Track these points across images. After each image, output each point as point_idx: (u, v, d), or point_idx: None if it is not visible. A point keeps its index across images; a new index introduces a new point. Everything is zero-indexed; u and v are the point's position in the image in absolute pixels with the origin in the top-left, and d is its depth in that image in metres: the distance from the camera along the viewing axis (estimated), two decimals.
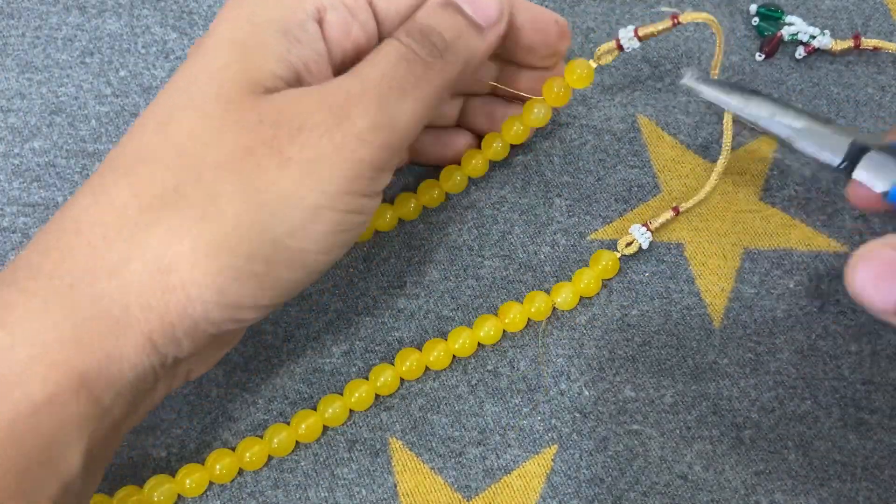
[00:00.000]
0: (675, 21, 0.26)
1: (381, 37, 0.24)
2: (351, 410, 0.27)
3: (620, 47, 0.27)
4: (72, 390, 0.19)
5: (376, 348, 0.28)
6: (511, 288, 0.29)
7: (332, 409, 0.26)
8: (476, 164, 0.29)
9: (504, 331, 0.28)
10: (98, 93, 0.31)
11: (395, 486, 0.26)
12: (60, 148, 0.30)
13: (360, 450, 0.27)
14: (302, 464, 0.26)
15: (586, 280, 0.28)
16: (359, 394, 0.26)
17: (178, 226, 0.19)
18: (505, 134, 0.29)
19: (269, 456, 0.26)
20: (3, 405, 0.18)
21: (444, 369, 0.28)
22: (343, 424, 0.27)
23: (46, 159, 0.30)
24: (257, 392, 0.27)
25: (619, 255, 0.29)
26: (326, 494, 0.26)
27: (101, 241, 0.19)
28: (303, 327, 0.28)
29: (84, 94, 0.31)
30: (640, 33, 0.27)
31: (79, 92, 0.31)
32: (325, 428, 0.27)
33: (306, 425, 0.26)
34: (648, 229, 0.29)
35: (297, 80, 0.22)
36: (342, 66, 0.23)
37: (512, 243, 0.29)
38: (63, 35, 0.32)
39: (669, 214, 0.29)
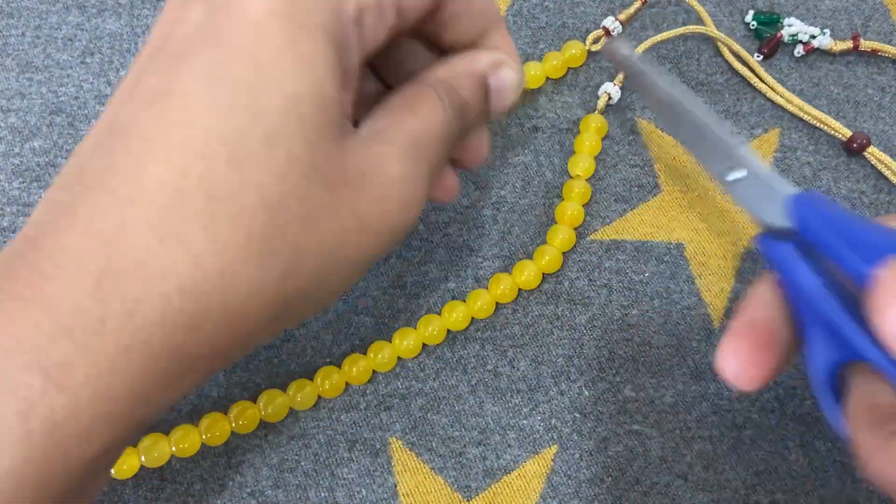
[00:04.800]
0: (644, 0, 0.32)
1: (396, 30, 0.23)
2: (347, 383, 0.27)
3: (608, 32, 0.32)
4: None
5: None
6: None
7: (330, 382, 0.27)
8: None
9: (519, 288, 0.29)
10: (98, 93, 0.31)
11: (395, 486, 0.26)
12: (60, 148, 0.30)
13: (360, 450, 0.27)
14: (302, 464, 0.26)
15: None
16: (357, 368, 0.27)
17: (260, 281, 0.18)
18: None
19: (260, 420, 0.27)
20: None
21: (443, 369, 0.28)
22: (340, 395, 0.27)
23: (46, 159, 0.30)
24: (257, 392, 0.27)
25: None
26: (326, 494, 0.26)
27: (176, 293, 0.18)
28: (303, 327, 0.28)
29: (84, 94, 0.31)
30: (622, 17, 0.32)
31: (79, 92, 0.31)
32: (320, 398, 0.27)
33: (301, 396, 0.27)
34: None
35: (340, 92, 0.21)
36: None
37: (512, 244, 0.29)
38: (63, 35, 0.32)
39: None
